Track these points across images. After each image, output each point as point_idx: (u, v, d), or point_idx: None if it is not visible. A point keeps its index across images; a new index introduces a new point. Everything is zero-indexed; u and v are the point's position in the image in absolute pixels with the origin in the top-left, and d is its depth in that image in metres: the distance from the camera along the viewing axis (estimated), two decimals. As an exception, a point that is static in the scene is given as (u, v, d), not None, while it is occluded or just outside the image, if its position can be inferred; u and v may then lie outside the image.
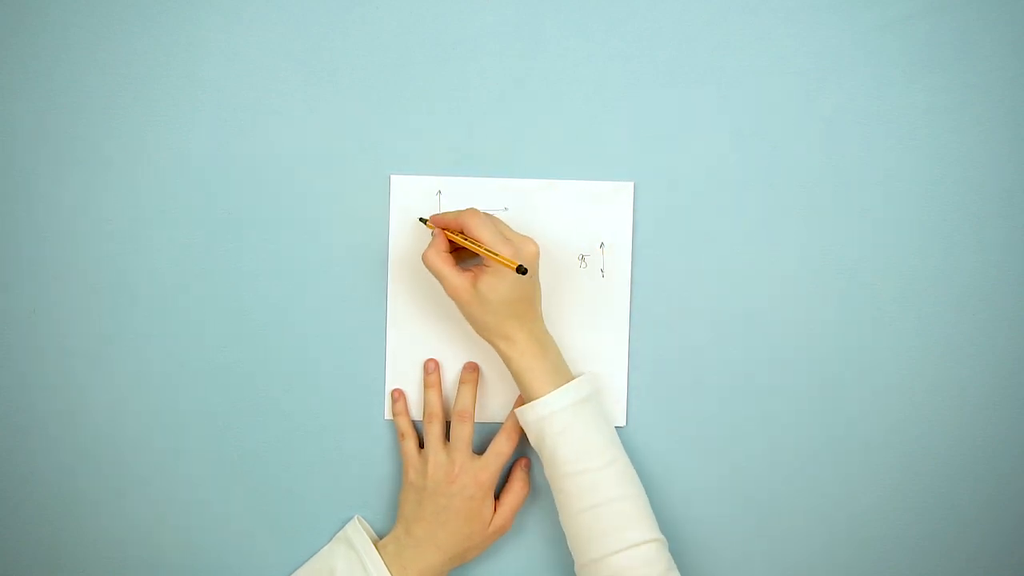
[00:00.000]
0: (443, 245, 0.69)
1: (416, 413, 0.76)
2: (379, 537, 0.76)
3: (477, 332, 0.69)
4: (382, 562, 0.71)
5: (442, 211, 0.73)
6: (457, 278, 0.67)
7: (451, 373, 0.76)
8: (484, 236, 0.66)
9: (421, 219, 0.73)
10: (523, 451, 0.76)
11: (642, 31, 0.73)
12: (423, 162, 0.74)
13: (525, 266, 0.64)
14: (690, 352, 0.75)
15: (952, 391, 0.75)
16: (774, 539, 0.76)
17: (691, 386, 0.75)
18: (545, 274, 0.73)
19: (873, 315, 0.74)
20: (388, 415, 0.76)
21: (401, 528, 0.73)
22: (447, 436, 0.74)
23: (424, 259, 0.68)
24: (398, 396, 0.75)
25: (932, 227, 0.74)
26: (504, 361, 0.69)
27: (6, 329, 0.75)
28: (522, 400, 0.71)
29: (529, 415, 0.68)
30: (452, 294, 0.68)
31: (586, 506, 0.66)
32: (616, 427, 0.73)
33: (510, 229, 0.69)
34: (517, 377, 0.69)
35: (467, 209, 0.68)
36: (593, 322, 0.74)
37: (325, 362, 0.76)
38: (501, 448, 0.72)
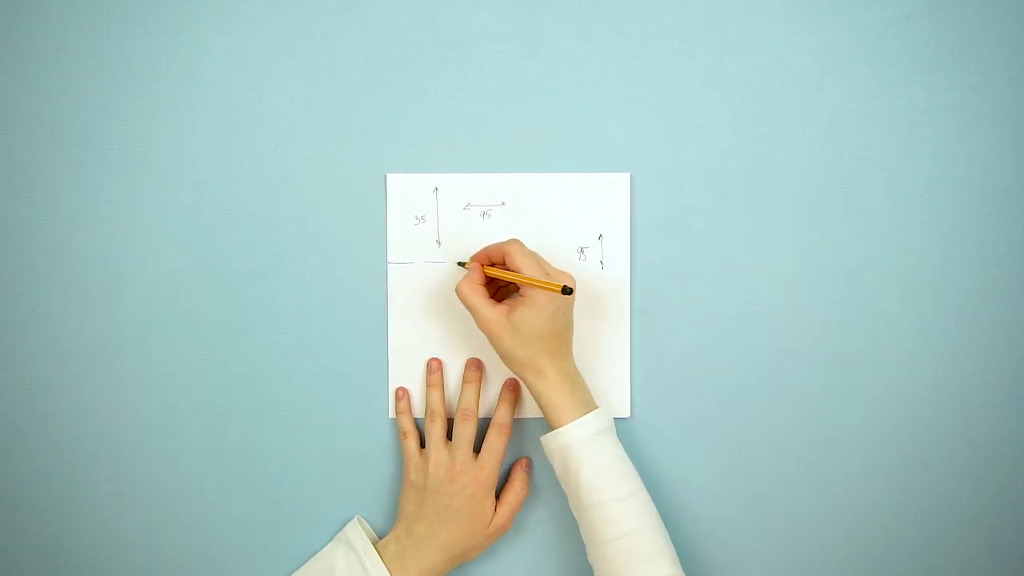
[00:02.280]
0: (478, 278, 0.69)
1: (418, 411, 0.76)
2: (379, 537, 0.76)
3: (507, 364, 0.69)
4: (382, 563, 0.71)
5: (438, 209, 0.74)
6: (491, 310, 0.67)
7: (453, 371, 0.76)
8: (523, 266, 0.67)
9: (460, 263, 0.74)
10: (523, 450, 0.76)
11: (642, 31, 0.74)
12: (419, 159, 0.74)
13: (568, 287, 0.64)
14: (691, 342, 0.75)
15: (952, 391, 0.75)
16: (775, 532, 0.76)
17: (693, 376, 0.75)
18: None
19: (872, 314, 0.74)
20: (392, 413, 0.76)
21: (402, 527, 0.73)
22: (449, 435, 0.74)
23: (458, 291, 0.68)
24: (402, 395, 0.75)
25: (932, 226, 0.74)
26: (532, 394, 0.69)
27: (6, 329, 0.75)
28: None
29: (552, 443, 0.69)
30: (485, 326, 0.68)
31: (609, 538, 0.66)
32: (620, 419, 0.74)
33: (548, 264, 0.70)
34: (544, 410, 0.69)
35: (510, 240, 0.69)
36: (594, 313, 0.75)
37: (325, 362, 0.76)
38: (494, 444, 0.72)
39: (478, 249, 0.71)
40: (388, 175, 0.74)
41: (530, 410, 0.76)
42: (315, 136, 0.74)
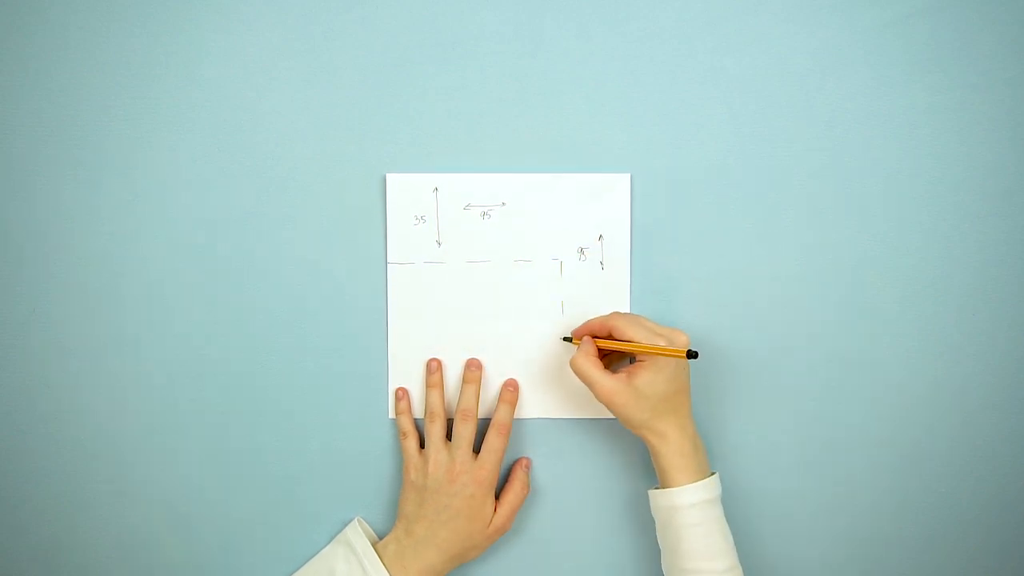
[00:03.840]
0: (592, 350, 0.70)
1: (418, 412, 0.76)
2: (379, 537, 0.76)
3: (628, 427, 0.69)
4: (382, 564, 0.71)
5: (438, 210, 0.74)
6: (610, 381, 0.67)
7: (453, 371, 0.76)
8: (637, 334, 0.67)
9: (565, 338, 0.74)
10: (523, 450, 0.76)
11: (642, 31, 0.74)
12: (419, 160, 0.74)
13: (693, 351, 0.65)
14: (691, 342, 0.75)
15: (952, 391, 0.75)
16: (775, 532, 0.76)
17: (694, 376, 0.75)
18: (546, 267, 0.73)
19: (872, 314, 0.74)
20: (392, 414, 0.76)
21: (401, 528, 0.73)
22: (449, 435, 0.74)
23: (573, 366, 0.69)
24: (401, 395, 0.75)
25: (932, 226, 0.74)
26: (651, 453, 0.70)
27: (6, 329, 0.75)
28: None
29: (661, 500, 0.69)
30: (607, 397, 0.67)
31: None
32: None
33: (655, 323, 0.70)
34: (661, 468, 0.69)
35: (610, 313, 0.71)
36: (595, 313, 0.74)
37: (325, 362, 0.76)
38: (493, 444, 0.72)
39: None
40: (388, 175, 0.74)
41: (530, 410, 0.76)
42: (315, 136, 0.74)
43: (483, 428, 0.75)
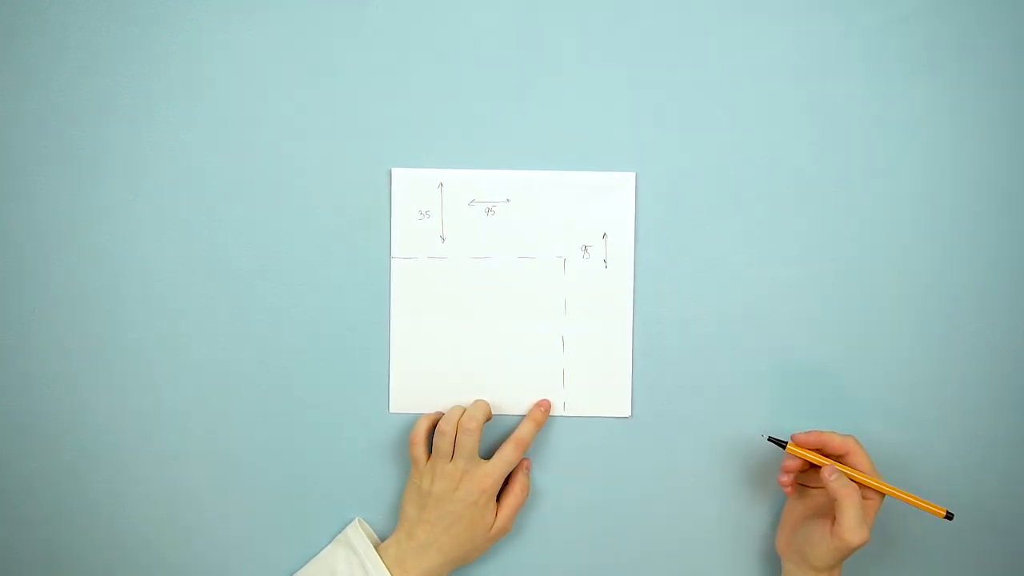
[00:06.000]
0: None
1: (419, 405, 0.76)
2: (380, 538, 0.76)
3: (815, 569, 0.68)
4: (383, 565, 0.71)
5: (443, 205, 0.73)
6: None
7: (454, 369, 0.75)
8: (874, 477, 0.67)
9: (775, 440, 0.71)
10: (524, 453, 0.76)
11: (642, 30, 0.74)
12: (424, 154, 0.74)
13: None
14: (693, 341, 0.75)
15: (952, 391, 0.75)
16: (772, 534, 0.76)
17: (694, 376, 0.75)
18: (549, 265, 0.74)
19: (872, 314, 0.74)
20: (393, 409, 0.75)
21: (403, 531, 0.72)
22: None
23: (851, 502, 0.65)
24: (423, 421, 0.75)
25: (931, 226, 0.74)
26: None
27: (6, 329, 0.75)
28: None
29: None
30: (859, 542, 0.64)
31: None
32: (621, 418, 0.74)
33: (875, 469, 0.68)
34: None
35: (846, 436, 0.68)
36: (597, 312, 0.75)
37: (327, 360, 0.76)
38: (508, 456, 0.72)
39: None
40: (393, 169, 0.74)
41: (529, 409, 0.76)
42: (320, 131, 0.74)
43: (497, 421, 0.75)
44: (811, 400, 0.75)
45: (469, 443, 0.72)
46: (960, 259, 0.74)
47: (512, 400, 0.75)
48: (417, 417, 0.75)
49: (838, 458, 0.68)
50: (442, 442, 0.72)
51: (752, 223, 0.74)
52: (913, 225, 0.74)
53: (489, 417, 0.74)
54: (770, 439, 0.71)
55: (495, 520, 0.72)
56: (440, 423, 0.73)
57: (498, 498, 0.73)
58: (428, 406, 0.76)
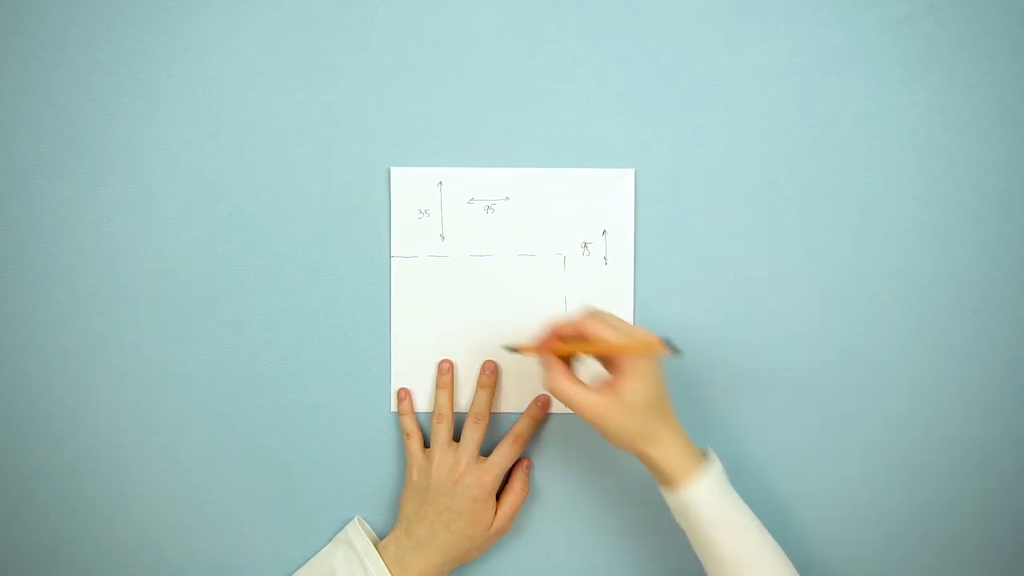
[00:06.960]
0: (561, 367, 0.64)
1: (419, 406, 0.76)
2: (379, 537, 0.76)
3: (618, 445, 0.64)
4: (383, 563, 0.71)
5: (442, 203, 0.73)
6: (593, 396, 0.62)
7: (458, 368, 0.76)
8: (610, 336, 0.62)
9: (508, 348, 0.70)
10: (523, 451, 0.76)
11: (641, 28, 0.74)
12: (423, 153, 0.74)
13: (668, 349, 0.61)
14: (692, 338, 0.75)
15: (952, 391, 0.75)
16: (774, 532, 0.76)
17: (693, 372, 0.75)
18: (549, 262, 0.74)
19: (872, 314, 0.75)
20: (393, 408, 0.76)
21: (402, 529, 0.73)
22: (454, 436, 0.74)
23: (553, 391, 0.63)
24: (404, 395, 0.75)
25: (931, 226, 0.74)
26: (647, 461, 0.65)
27: (6, 329, 0.75)
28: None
29: (681, 500, 0.64)
30: (591, 415, 0.62)
31: None
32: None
33: (623, 322, 0.65)
34: (659, 472, 0.65)
35: (577, 313, 0.65)
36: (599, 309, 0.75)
37: (327, 359, 0.76)
38: (507, 452, 0.72)
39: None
40: (392, 168, 0.74)
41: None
42: (319, 129, 0.74)
43: (495, 420, 0.75)
44: (810, 399, 0.75)
45: (477, 434, 0.72)
46: (960, 258, 0.74)
47: (511, 397, 0.76)
48: (415, 416, 0.75)
49: (576, 336, 0.65)
50: (440, 428, 0.72)
51: (752, 220, 0.74)
52: (913, 225, 0.74)
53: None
54: (506, 348, 0.70)
55: (494, 519, 0.72)
56: (436, 411, 0.74)
57: (498, 497, 0.73)
58: (428, 406, 0.76)
